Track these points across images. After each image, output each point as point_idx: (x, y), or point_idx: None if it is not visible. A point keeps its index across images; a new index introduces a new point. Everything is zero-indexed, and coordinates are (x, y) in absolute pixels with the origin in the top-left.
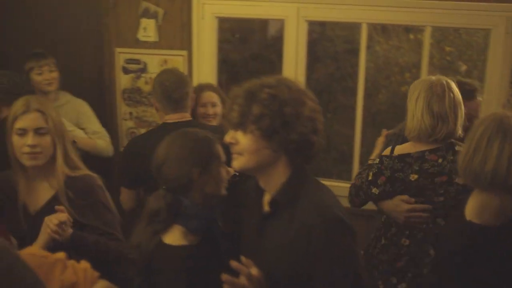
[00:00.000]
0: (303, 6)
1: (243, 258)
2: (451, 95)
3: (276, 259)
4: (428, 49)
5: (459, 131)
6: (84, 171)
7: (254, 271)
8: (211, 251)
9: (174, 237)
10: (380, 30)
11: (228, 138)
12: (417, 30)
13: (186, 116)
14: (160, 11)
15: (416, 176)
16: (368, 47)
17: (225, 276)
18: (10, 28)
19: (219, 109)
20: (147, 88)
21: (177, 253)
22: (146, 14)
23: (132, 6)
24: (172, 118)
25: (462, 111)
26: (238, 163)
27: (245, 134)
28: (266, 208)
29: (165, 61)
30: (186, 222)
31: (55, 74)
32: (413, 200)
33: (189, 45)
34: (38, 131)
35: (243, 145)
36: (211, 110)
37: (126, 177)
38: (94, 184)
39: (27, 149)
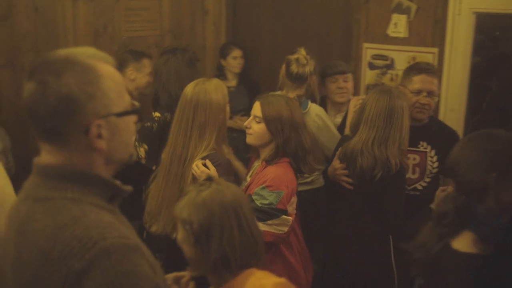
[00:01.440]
0: None
1: None
2: None
3: None
4: None
5: None
6: None
7: None
8: (505, 263)
9: (463, 243)
10: None
11: None
12: None
13: None
14: (413, 6)
15: None
16: None
17: None
18: (266, 26)
19: None
20: (392, 85)
21: (464, 261)
22: (398, 9)
23: (384, 1)
24: None
25: None
26: None
27: None
28: None
29: (414, 58)
30: (477, 229)
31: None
32: None
33: (441, 42)
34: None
35: None
36: None
37: None
38: None
39: None
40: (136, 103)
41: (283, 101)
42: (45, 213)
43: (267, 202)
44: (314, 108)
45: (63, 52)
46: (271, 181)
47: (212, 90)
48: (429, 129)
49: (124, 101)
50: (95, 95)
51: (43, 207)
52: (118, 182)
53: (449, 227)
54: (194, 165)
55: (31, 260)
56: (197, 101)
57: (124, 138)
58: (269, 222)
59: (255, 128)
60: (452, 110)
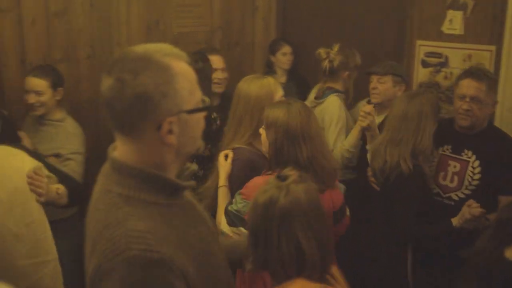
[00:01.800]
0: None
1: None
2: None
3: None
4: None
5: None
6: None
7: None
8: None
9: None
10: None
11: None
12: None
13: None
14: (470, 2)
15: None
16: None
17: None
18: (316, 22)
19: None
20: (446, 83)
21: None
22: (454, 5)
23: None
24: None
25: None
26: None
27: None
28: None
29: (469, 56)
30: None
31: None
32: None
33: (499, 40)
34: None
35: None
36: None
37: None
38: None
39: None
40: (207, 99)
41: (285, 108)
42: (104, 205)
43: (235, 208)
44: (328, 102)
45: (140, 49)
46: (245, 188)
47: (256, 86)
48: (480, 138)
49: (196, 98)
50: (168, 94)
51: (104, 198)
52: (179, 180)
53: (508, 236)
54: (220, 154)
55: (88, 245)
56: (239, 94)
57: (193, 133)
58: (233, 228)
59: (262, 135)
60: (509, 110)
